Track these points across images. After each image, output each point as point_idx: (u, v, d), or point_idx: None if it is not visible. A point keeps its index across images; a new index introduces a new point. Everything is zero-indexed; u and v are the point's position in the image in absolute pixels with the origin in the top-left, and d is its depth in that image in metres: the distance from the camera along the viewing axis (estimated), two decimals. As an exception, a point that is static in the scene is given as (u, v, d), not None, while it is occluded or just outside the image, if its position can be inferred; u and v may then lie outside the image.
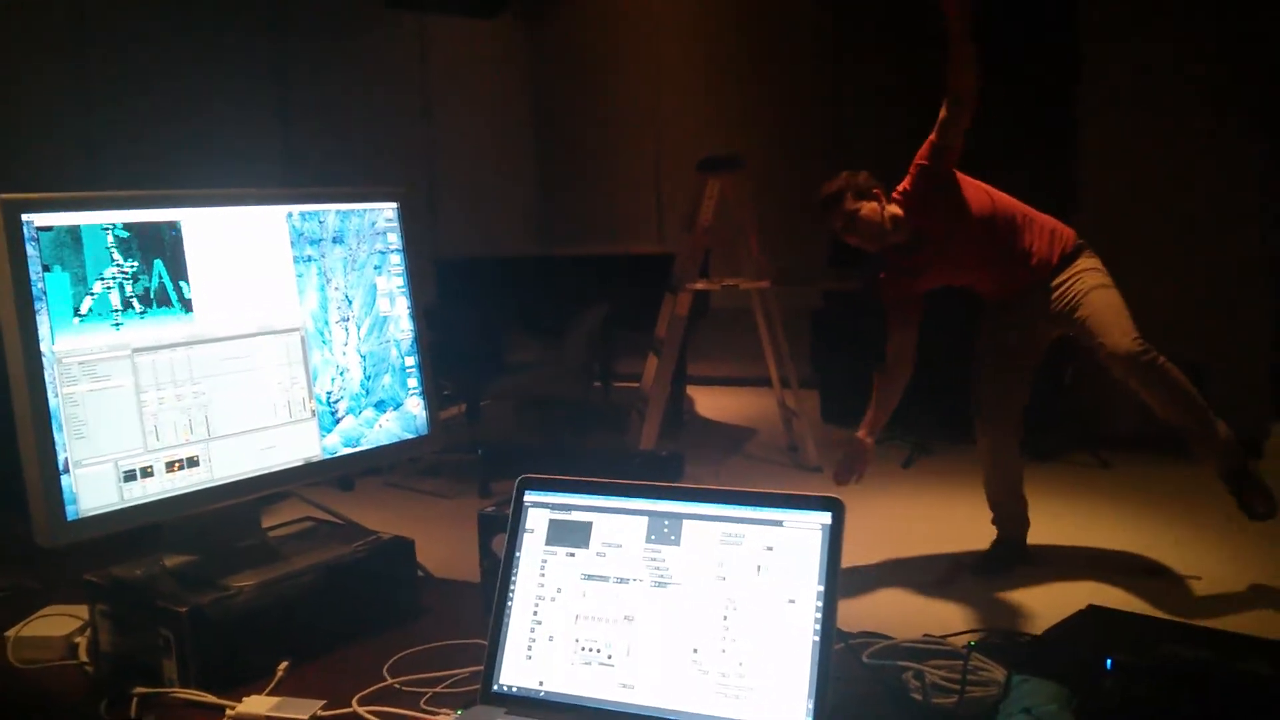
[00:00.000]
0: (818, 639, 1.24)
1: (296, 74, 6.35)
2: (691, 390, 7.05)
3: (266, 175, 5.89)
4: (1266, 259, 5.49)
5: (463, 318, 6.16)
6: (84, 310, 1.47)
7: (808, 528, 1.29)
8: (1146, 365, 3.49)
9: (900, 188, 3.69)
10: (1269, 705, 1.24)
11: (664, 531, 1.35)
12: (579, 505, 1.40)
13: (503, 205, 8.26)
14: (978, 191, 3.66)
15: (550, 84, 8.48)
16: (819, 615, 1.25)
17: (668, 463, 2.59)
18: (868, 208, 3.66)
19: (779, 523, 1.30)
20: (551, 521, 1.40)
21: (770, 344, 5.76)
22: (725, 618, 1.29)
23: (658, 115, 8.09)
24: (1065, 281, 3.67)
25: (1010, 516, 4.00)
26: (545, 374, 5.82)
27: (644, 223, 8.18)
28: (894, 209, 3.67)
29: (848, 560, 3.85)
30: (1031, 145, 5.68)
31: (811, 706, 1.22)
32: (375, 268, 1.83)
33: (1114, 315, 3.57)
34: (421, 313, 1.89)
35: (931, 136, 3.58)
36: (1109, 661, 1.25)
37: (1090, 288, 3.62)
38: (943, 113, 3.53)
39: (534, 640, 1.36)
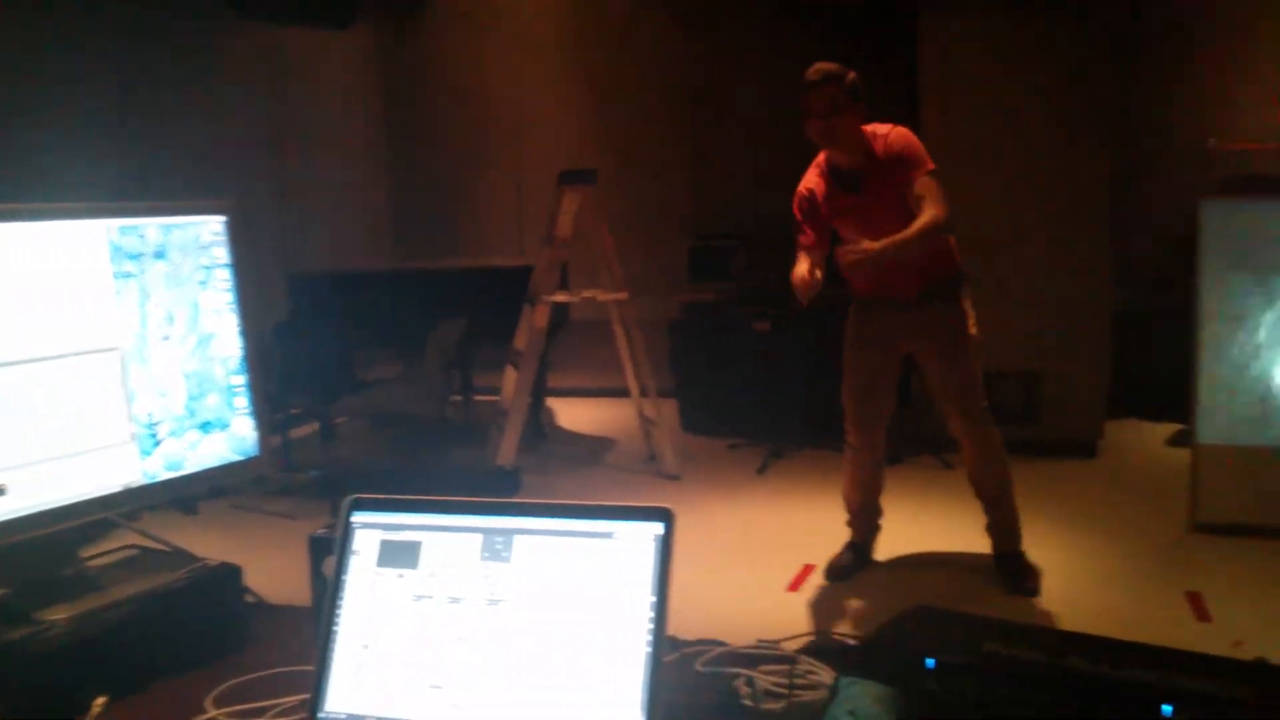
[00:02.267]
0: (650, 650, 1.24)
1: (144, 85, 6.11)
2: (552, 402, 7.04)
3: (107, 188, 5.64)
4: (1105, 265, 5.75)
5: (315, 334, 6.01)
6: None
7: (640, 539, 1.29)
8: (985, 431, 3.76)
9: (883, 127, 3.65)
10: (1087, 700, 1.29)
11: (496, 548, 1.33)
12: (410, 525, 1.37)
13: (358, 219, 8.11)
14: None
15: (406, 96, 8.36)
16: (651, 626, 1.25)
17: (505, 478, 2.56)
18: (851, 111, 3.57)
19: (610, 534, 1.30)
20: (382, 542, 1.37)
21: (629, 355, 5.79)
22: (557, 633, 1.27)
23: (517, 127, 8.06)
24: (943, 318, 3.75)
25: (867, 521, 4.10)
26: (400, 390, 5.72)
27: (505, 235, 8.12)
28: (866, 129, 3.62)
29: (698, 566, 3.90)
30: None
31: (643, 718, 1.21)
32: (200, 283, 1.76)
33: (972, 377, 3.76)
34: (252, 330, 1.83)
35: (918, 183, 3.52)
36: (930, 661, 1.28)
37: (962, 339, 3.75)
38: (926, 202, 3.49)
39: (363, 665, 1.32)
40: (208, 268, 1.77)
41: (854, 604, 3.82)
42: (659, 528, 1.28)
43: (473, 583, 1.32)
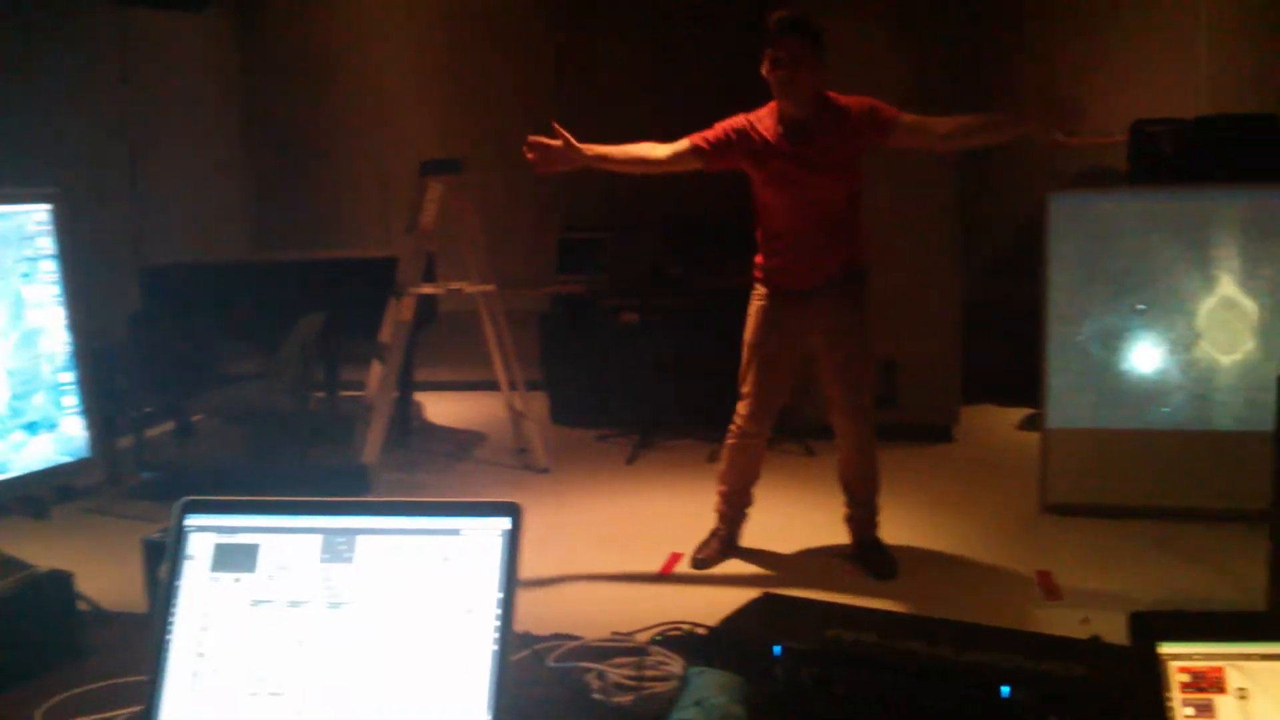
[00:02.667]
0: (497, 648, 1.22)
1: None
2: (420, 396, 6.92)
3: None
4: (956, 256, 5.93)
5: (169, 328, 5.79)
6: None
7: (486, 535, 1.27)
8: (868, 431, 3.87)
9: (844, 97, 3.66)
10: (928, 683, 1.32)
11: (338, 549, 1.29)
12: (247, 526, 1.32)
13: (216, 209, 7.83)
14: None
15: (265, 81, 8.10)
16: (498, 624, 1.23)
17: (353, 476, 2.50)
18: (816, 64, 3.56)
19: (457, 531, 1.28)
20: (217, 545, 1.32)
21: (497, 347, 5.74)
22: (402, 635, 1.25)
23: (381, 116, 7.89)
24: (848, 310, 3.81)
25: (739, 508, 4.13)
26: (258, 386, 5.55)
27: (370, 226, 7.96)
28: (827, 93, 3.63)
29: (566, 558, 3.87)
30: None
31: (490, 718, 1.19)
32: (23, 275, 1.67)
33: (867, 370, 3.86)
34: (83, 325, 1.74)
35: (906, 116, 3.62)
36: (777, 648, 1.29)
37: (863, 333, 3.84)
38: (935, 122, 3.62)
39: (198, 674, 1.27)
40: (32, 259, 1.68)
41: (717, 592, 3.86)
42: (505, 523, 1.26)
43: (313, 585, 1.28)
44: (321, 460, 5.37)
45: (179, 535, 1.32)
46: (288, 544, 1.30)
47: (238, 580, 1.30)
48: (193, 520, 1.33)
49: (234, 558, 1.30)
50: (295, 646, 1.26)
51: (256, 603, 1.28)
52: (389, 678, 1.23)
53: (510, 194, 7.55)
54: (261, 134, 8.14)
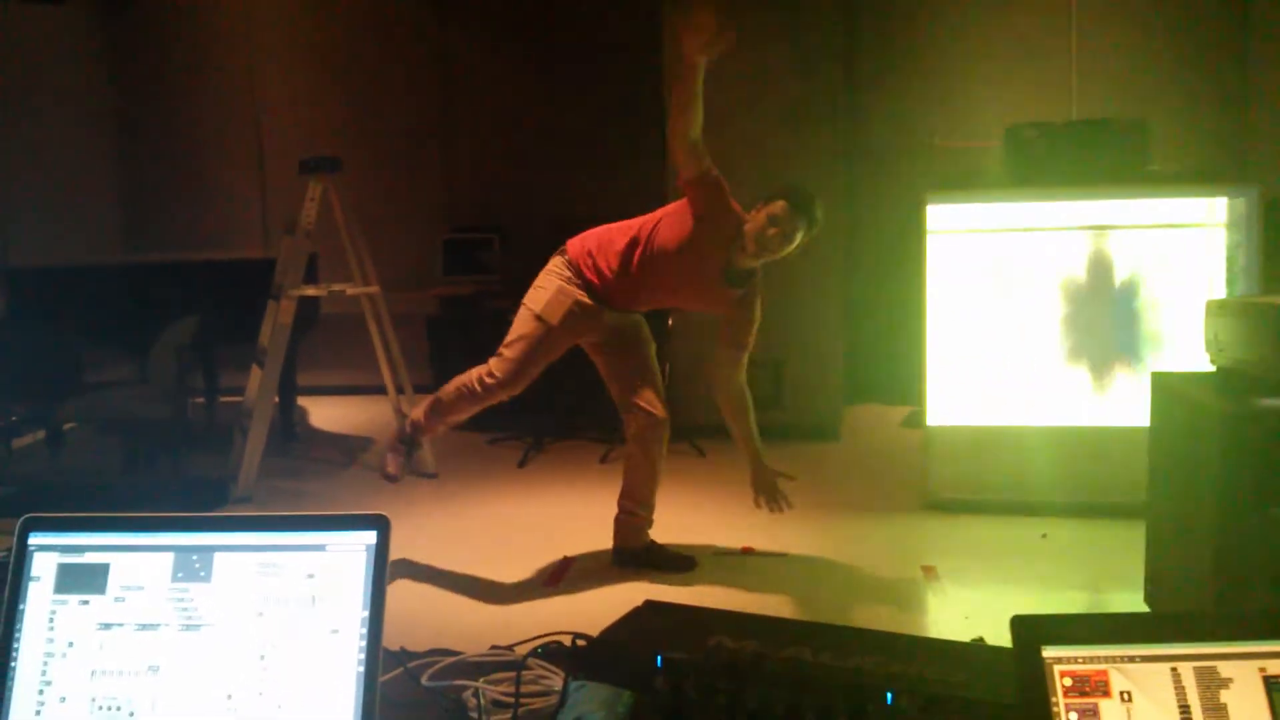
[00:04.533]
0: (363, 669, 1.17)
1: None
2: (304, 401, 6.75)
3: None
4: (839, 259, 6.02)
5: (35, 333, 5.54)
6: None
7: (352, 550, 1.22)
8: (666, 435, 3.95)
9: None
10: (813, 691, 1.30)
11: (193, 567, 1.22)
12: (94, 545, 1.24)
13: (85, 210, 7.53)
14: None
15: (135, 77, 7.82)
16: (363, 644, 1.18)
17: (208, 489, 2.40)
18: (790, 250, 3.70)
19: (322, 547, 1.22)
20: (61, 566, 1.24)
21: (383, 350, 5.61)
22: (263, 657, 1.18)
23: (257, 112, 7.68)
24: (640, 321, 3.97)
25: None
26: (131, 393, 5.33)
27: (248, 227, 7.74)
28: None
29: (452, 567, 3.76)
30: (626, 149, 5.89)
31: (357, 742, 1.14)
32: None
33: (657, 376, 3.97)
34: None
35: (743, 350, 3.81)
36: (659, 659, 1.26)
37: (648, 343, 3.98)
38: (736, 371, 3.81)
39: (43, 703, 1.19)
40: None
41: (604, 598, 3.78)
42: (370, 537, 1.21)
43: (166, 607, 1.21)
44: (192, 471, 5.19)
45: (20, 555, 1.23)
46: (139, 563, 1.22)
47: (85, 602, 1.22)
48: (36, 539, 1.25)
49: (81, 578, 1.22)
50: (147, 673, 1.18)
51: (105, 626, 1.21)
52: (250, 704, 1.17)
53: (393, 194, 7.43)
54: (132, 131, 7.85)
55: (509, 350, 3.84)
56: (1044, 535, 4.20)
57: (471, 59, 7.39)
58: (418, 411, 4.08)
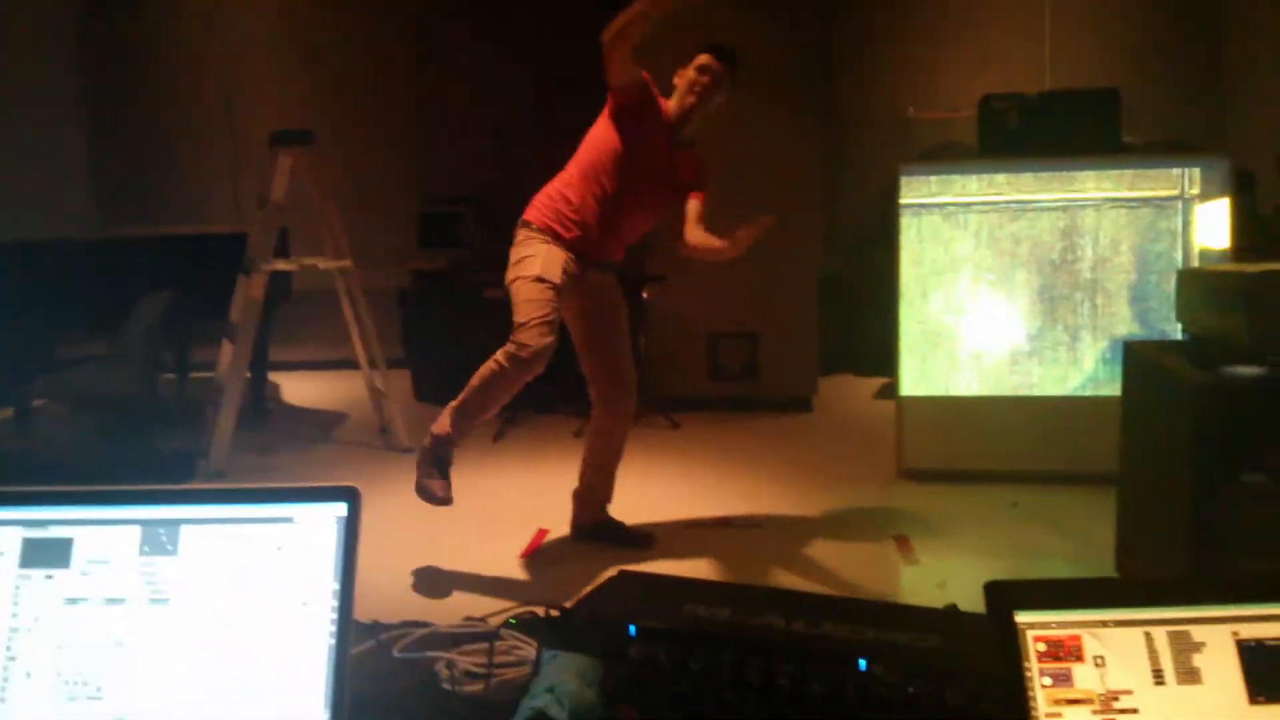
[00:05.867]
0: (334, 641, 1.16)
1: None
2: (276, 376, 6.71)
3: None
4: (816, 233, 6.01)
5: (6, 310, 5.46)
6: None
7: (321, 522, 1.20)
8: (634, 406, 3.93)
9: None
10: (787, 658, 1.30)
11: (160, 541, 1.20)
12: (58, 519, 1.22)
13: (54, 183, 7.42)
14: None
15: (106, 51, 7.71)
16: (335, 616, 1.17)
17: (174, 462, 2.38)
18: (724, 101, 3.76)
19: (290, 519, 1.20)
20: (25, 540, 1.22)
21: (356, 325, 5.58)
22: (232, 630, 1.17)
23: (230, 86, 7.58)
24: (615, 283, 3.91)
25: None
26: (100, 369, 5.27)
27: (220, 202, 7.65)
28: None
29: (426, 540, 3.74)
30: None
31: (328, 716, 1.13)
32: None
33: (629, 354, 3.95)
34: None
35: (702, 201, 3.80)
36: (631, 628, 1.26)
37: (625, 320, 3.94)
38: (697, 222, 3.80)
39: (8, 680, 1.17)
40: None
41: (578, 569, 3.76)
42: (341, 508, 1.20)
43: (133, 581, 1.19)
44: (163, 446, 5.16)
45: (-18, 531, 1.21)
46: (105, 537, 1.21)
47: (50, 577, 1.20)
48: (0, 513, 1.22)
49: (45, 553, 1.21)
50: (114, 647, 1.17)
51: (70, 601, 1.19)
52: (218, 677, 1.15)
53: (367, 168, 7.36)
54: (105, 106, 7.74)
55: (529, 320, 3.60)
56: (1015, 504, 4.22)
57: (446, 31, 7.31)
58: (438, 425, 3.85)
